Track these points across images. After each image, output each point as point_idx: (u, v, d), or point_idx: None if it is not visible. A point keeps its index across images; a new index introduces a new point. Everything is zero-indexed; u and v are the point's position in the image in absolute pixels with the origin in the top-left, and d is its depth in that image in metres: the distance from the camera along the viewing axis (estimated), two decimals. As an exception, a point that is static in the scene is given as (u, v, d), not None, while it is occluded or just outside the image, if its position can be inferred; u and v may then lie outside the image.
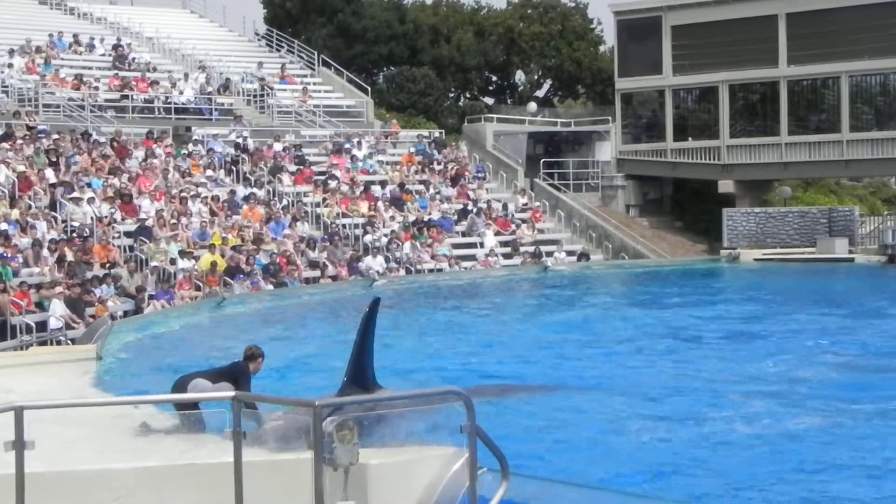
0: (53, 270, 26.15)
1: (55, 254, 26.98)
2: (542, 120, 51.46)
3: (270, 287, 30.06)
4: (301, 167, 38.74)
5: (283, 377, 16.28)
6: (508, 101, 60.10)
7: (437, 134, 46.05)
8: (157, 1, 54.21)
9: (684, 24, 45.95)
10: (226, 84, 44.29)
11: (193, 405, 9.78)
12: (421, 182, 40.84)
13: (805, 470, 11.85)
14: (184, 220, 31.96)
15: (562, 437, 13.37)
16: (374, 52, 55.39)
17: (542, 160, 46.41)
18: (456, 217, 39.11)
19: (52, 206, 29.95)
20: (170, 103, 41.31)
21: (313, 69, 49.13)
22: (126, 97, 40.88)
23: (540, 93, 62.44)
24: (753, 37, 44.28)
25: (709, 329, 23.70)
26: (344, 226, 35.92)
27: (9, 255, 25.77)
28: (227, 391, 10.07)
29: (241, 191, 35.55)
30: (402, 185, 39.57)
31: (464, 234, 38.69)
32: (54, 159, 32.62)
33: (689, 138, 46.69)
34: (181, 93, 42.12)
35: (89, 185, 31.95)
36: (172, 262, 29.39)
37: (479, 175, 43.48)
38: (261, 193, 35.86)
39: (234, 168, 37.31)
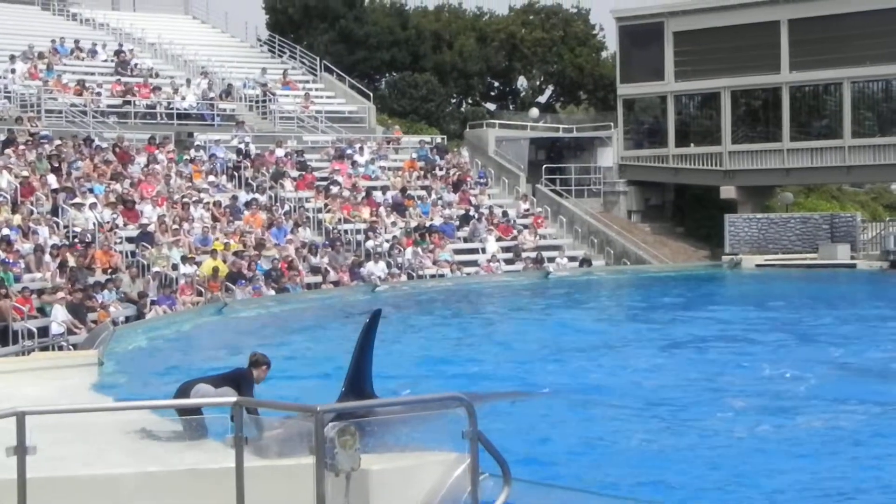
0: (55, 276, 26.16)
1: (57, 259, 27.00)
2: (544, 126, 51.46)
3: (272, 292, 30.06)
4: (303, 173, 38.75)
5: (283, 383, 16.26)
6: (510, 107, 60.05)
7: (438, 140, 46.07)
8: (160, 7, 54.25)
9: (686, 31, 45.96)
10: (228, 90, 44.33)
11: (196, 411, 9.77)
12: (423, 188, 40.84)
13: (803, 473, 11.84)
14: (186, 225, 31.97)
15: (563, 442, 13.36)
16: (376, 57, 55.40)
17: (544, 166, 46.42)
18: (458, 223, 39.10)
19: (54, 211, 29.97)
20: (172, 109, 41.35)
21: (315, 75, 49.17)
22: (128, 103, 40.92)
23: (542, 99, 62.42)
24: (755, 43, 44.27)
25: (708, 334, 23.69)
26: (346, 231, 35.93)
27: (11, 261, 25.79)
28: (229, 396, 10.06)
29: (243, 196, 35.57)
30: (404, 191, 39.58)
31: (466, 240, 38.69)
32: (56, 165, 32.65)
33: (691, 144, 46.67)
34: (183, 98, 42.16)
35: (91, 190, 31.99)
36: (174, 267, 29.40)
37: (481, 181, 43.49)
38: (263, 199, 35.88)
39: (236, 174, 37.35)
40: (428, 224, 37.85)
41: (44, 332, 23.69)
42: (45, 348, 22.75)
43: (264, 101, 44.56)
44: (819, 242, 41.23)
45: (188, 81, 43.43)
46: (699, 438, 13.51)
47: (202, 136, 39.53)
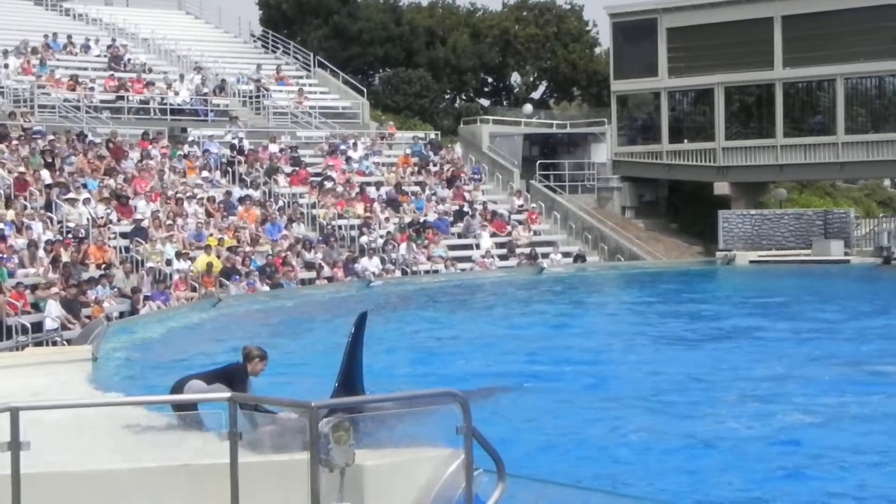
0: (48, 271, 26.13)
1: (50, 255, 26.97)
2: (538, 122, 51.49)
3: (266, 288, 30.06)
4: (297, 168, 38.74)
5: (278, 378, 16.26)
6: (504, 103, 60.13)
7: (432, 136, 46.06)
8: (153, 2, 54.22)
9: (680, 27, 45.98)
10: (221, 85, 44.28)
11: (190, 407, 9.76)
12: (417, 183, 40.85)
13: (798, 470, 11.87)
14: (179, 221, 31.95)
15: (556, 438, 13.38)
16: (369, 53, 55.42)
17: (538, 162, 46.44)
18: (452, 219, 39.11)
19: (48, 206, 29.93)
20: (165, 104, 41.31)
21: (309, 70, 49.15)
22: (122, 98, 40.89)
23: (535, 95, 62.49)
24: (749, 39, 44.30)
25: (702, 330, 23.74)
26: (340, 227, 35.93)
27: (4, 256, 25.76)
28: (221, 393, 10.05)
29: (237, 192, 35.55)
30: (398, 187, 39.58)
31: (460, 236, 38.70)
32: (50, 160, 32.61)
33: (685, 140, 46.72)
34: (177, 94, 42.12)
35: (85, 185, 31.96)
36: (168, 263, 29.39)
37: (475, 177, 43.49)
38: (256, 195, 35.86)
39: (229, 169, 37.33)
40: (422, 220, 37.86)
41: (38, 327, 23.68)
42: (38, 344, 22.73)
43: (258, 97, 44.54)
44: (813, 238, 41.30)
45: (182, 77, 43.38)
46: (692, 433, 13.53)
47: (196, 131, 39.51)
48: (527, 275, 36.16)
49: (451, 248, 37.28)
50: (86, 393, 13.89)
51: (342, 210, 36.68)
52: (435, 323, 25.79)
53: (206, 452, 8.40)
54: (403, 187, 39.89)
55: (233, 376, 11.16)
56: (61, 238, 28.35)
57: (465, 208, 39.78)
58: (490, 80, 62.80)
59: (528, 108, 54.14)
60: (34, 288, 25.09)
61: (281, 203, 36.18)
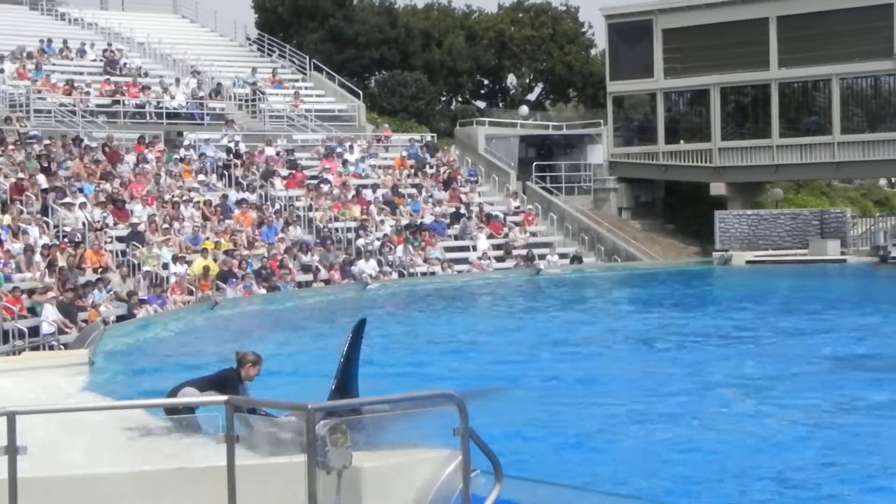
0: (45, 276, 26.12)
1: (47, 259, 26.95)
2: (534, 123, 51.49)
3: (263, 291, 30.05)
4: (293, 171, 38.73)
5: (274, 381, 16.25)
6: (500, 105, 60.10)
7: (428, 138, 46.06)
8: (149, 6, 54.20)
9: (675, 28, 46.00)
10: (217, 89, 44.29)
11: (185, 412, 9.75)
12: (413, 186, 40.84)
13: (793, 470, 11.87)
14: (176, 224, 31.94)
15: (553, 439, 13.38)
16: (365, 56, 55.40)
17: (534, 163, 46.44)
18: (448, 221, 39.10)
19: (44, 211, 29.92)
20: (161, 108, 41.31)
21: (305, 73, 49.15)
22: (117, 102, 40.87)
23: (531, 96, 62.49)
24: (744, 40, 44.32)
25: (698, 330, 23.73)
26: (336, 230, 35.92)
27: (1, 261, 25.74)
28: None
29: (234, 195, 35.54)
30: (394, 189, 39.58)
31: (456, 238, 38.69)
32: (46, 165, 32.59)
33: (681, 141, 46.74)
34: (173, 98, 42.12)
35: (81, 190, 31.94)
36: (165, 266, 29.37)
37: (472, 179, 43.49)
38: (253, 198, 35.86)
39: (226, 173, 37.32)
40: (419, 222, 37.86)
41: (34, 331, 23.65)
42: (35, 348, 22.72)
43: (254, 100, 44.55)
44: (809, 238, 41.33)
45: (177, 81, 43.38)
46: (688, 432, 13.53)
47: (192, 135, 39.48)
48: (523, 276, 36.17)
49: (448, 249, 37.27)
50: (82, 397, 13.88)
51: (338, 213, 36.68)
52: (431, 325, 25.79)
53: (203, 455, 8.41)
54: (400, 190, 39.88)
55: (226, 382, 11.12)
56: (58, 242, 28.33)
57: (462, 210, 39.78)
58: (486, 81, 62.79)
59: (524, 109, 54.15)
60: (31, 292, 25.07)
61: (277, 206, 36.17)
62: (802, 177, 48.52)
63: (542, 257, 38.34)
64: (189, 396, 10.83)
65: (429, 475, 8.13)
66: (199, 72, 44.92)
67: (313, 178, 38.93)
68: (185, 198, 33.83)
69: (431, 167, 42.85)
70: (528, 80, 62.61)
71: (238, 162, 37.98)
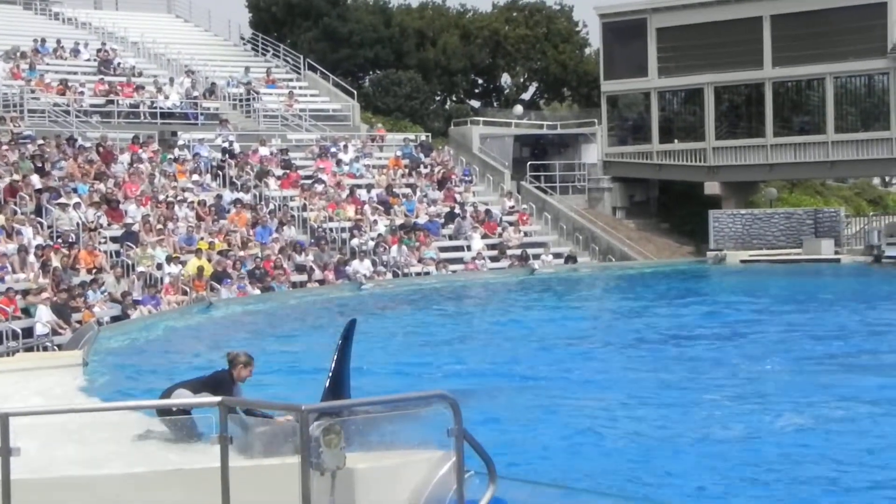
0: (39, 276, 26.07)
1: (41, 259, 26.91)
2: (528, 123, 51.48)
3: (257, 292, 30.03)
4: (287, 171, 38.71)
5: (268, 382, 16.25)
6: (494, 104, 60.06)
7: (423, 137, 46.05)
8: (142, 5, 54.12)
9: (669, 27, 46.02)
10: (211, 88, 44.26)
11: (178, 414, 9.74)
12: (408, 185, 40.84)
13: (785, 469, 11.88)
14: (170, 224, 31.92)
15: (547, 439, 13.39)
16: (359, 55, 55.34)
17: (529, 163, 46.44)
18: (443, 220, 39.11)
19: (38, 211, 29.87)
20: (155, 108, 41.28)
21: (299, 73, 49.12)
22: (111, 102, 40.83)
23: (526, 96, 62.44)
24: (738, 39, 44.35)
25: (692, 329, 23.75)
26: (331, 229, 35.91)
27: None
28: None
29: (228, 195, 35.52)
30: (389, 189, 39.57)
31: (451, 238, 38.69)
32: (40, 165, 32.54)
33: (675, 140, 46.76)
34: (167, 97, 42.09)
35: (75, 190, 31.91)
36: (159, 267, 29.34)
37: (466, 178, 43.49)
38: (247, 198, 35.83)
39: (220, 172, 37.28)
40: (413, 222, 37.85)
41: (28, 332, 23.61)
42: (29, 349, 22.69)
43: (248, 100, 44.51)
44: (803, 237, 41.38)
45: (171, 80, 43.34)
46: (682, 432, 13.54)
47: (186, 135, 39.44)
48: (518, 276, 36.18)
49: (442, 249, 37.27)
50: (76, 398, 13.88)
51: (333, 213, 36.67)
52: (426, 325, 25.78)
53: (196, 457, 8.40)
54: (394, 189, 39.88)
55: (219, 384, 11.12)
56: (52, 243, 28.29)
57: (456, 210, 39.78)
58: (480, 81, 62.73)
59: (519, 109, 54.14)
60: (25, 293, 25.02)
61: (272, 206, 36.15)
62: (796, 176, 48.57)
63: (536, 257, 38.35)
64: (182, 398, 10.82)
65: (423, 476, 8.14)
66: (193, 71, 44.89)
67: (307, 177, 38.91)
68: (179, 198, 33.80)
69: (426, 167, 42.84)
70: (522, 80, 62.57)
71: (232, 162, 37.95)
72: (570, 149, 48.20)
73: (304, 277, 32.40)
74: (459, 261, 37.13)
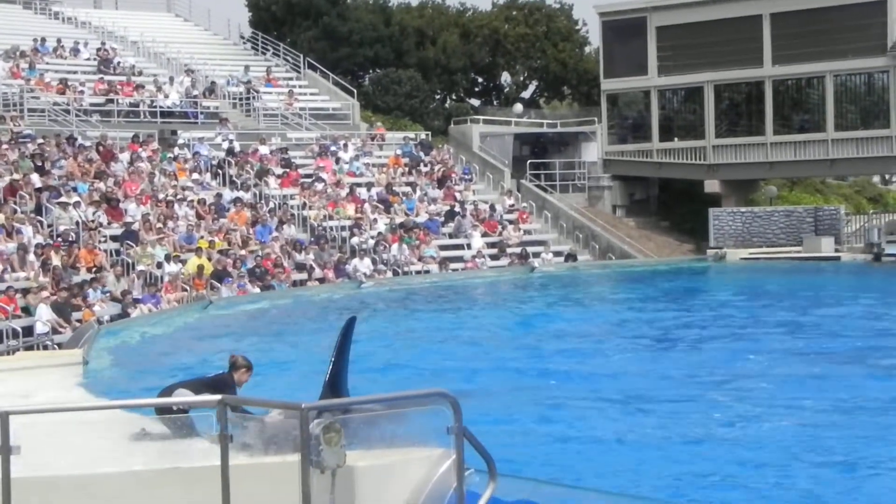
0: (39, 275, 26.07)
1: (41, 258, 26.91)
2: (528, 121, 51.49)
3: (257, 290, 30.03)
4: (287, 170, 38.71)
5: (268, 380, 16.25)
6: (494, 103, 60.08)
7: (423, 136, 46.05)
8: (142, 4, 54.12)
9: (669, 25, 45.99)
10: (211, 87, 44.24)
11: (178, 413, 9.72)
12: (408, 184, 40.84)
13: (781, 467, 11.89)
14: (170, 223, 31.92)
15: (547, 437, 13.39)
16: (359, 54, 55.34)
17: (529, 161, 46.43)
18: (443, 219, 39.10)
19: (38, 210, 29.87)
20: (155, 107, 41.27)
21: (299, 72, 49.12)
22: (111, 101, 40.82)
23: (526, 94, 62.44)
24: (738, 37, 44.33)
25: (692, 328, 23.76)
26: (331, 228, 35.91)
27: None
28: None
29: (228, 194, 35.51)
30: (388, 187, 39.57)
31: (451, 236, 38.69)
32: (40, 164, 32.54)
33: (675, 138, 46.74)
34: (166, 96, 42.08)
35: (75, 189, 31.91)
36: (159, 265, 29.34)
37: (466, 177, 43.49)
38: (247, 196, 35.82)
39: (220, 171, 37.28)
40: (413, 220, 37.84)
41: (28, 331, 23.64)
42: (29, 348, 22.70)
43: (248, 99, 44.51)
44: (803, 235, 41.36)
45: (171, 79, 43.33)
46: (682, 431, 13.54)
47: (186, 133, 39.45)
48: (518, 274, 36.17)
49: (443, 248, 37.27)
50: (76, 397, 13.87)
51: (333, 211, 36.67)
52: (425, 323, 25.79)
53: (197, 455, 8.40)
54: (394, 188, 39.88)
55: (221, 386, 11.10)
56: (52, 242, 28.29)
57: (456, 208, 39.78)
58: (480, 79, 62.74)
59: (519, 107, 54.14)
60: (25, 292, 25.03)
61: (272, 205, 36.15)
62: (796, 174, 48.56)
63: (536, 255, 38.34)
64: (182, 396, 10.81)
65: (423, 474, 8.14)
66: (192, 70, 44.88)
67: (307, 176, 38.92)
68: (179, 196, 33.81)
69: (426, 165, 42.84)
70: (522, 78, 62.58)
71: (232, 160, 37.95)
72: (570, 147, 48.20)
73: (304, 276, 32.40)
74: (459, 259, 37.13)
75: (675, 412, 14.75)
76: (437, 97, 58.62)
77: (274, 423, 9.15)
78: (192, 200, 33.93)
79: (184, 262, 29.85)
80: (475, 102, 60.35)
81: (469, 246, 37.97)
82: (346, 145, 42.04)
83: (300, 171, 39.21)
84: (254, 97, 44.47)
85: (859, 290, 31.81)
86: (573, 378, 17.67)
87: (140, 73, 43.83)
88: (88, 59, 44.38)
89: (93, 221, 30.34)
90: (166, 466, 8.35)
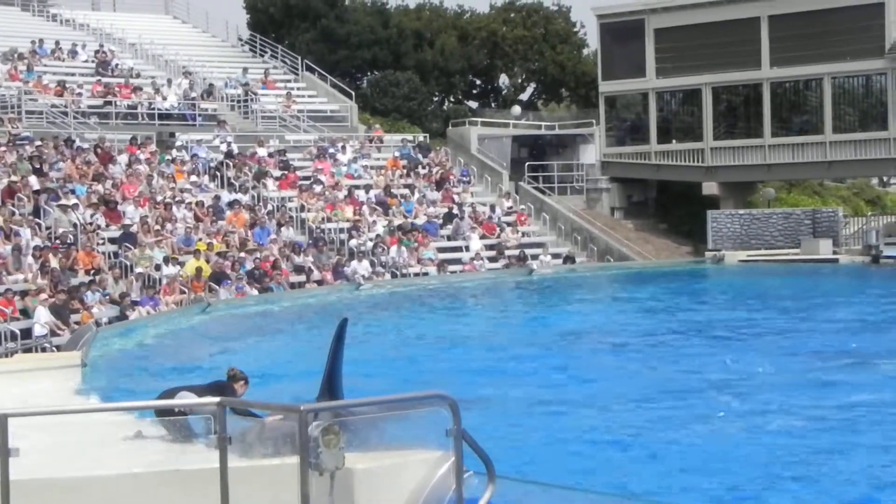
0: (37, 277, 26.06)
1: (39, 261, 26.89)
2: (526, 123, 51.50)
3: (255, 292, 30.02)
4: (285, 172, 38.70)
5: (267, 383, 16.25)
6: (492, 105, 60.10)
7: (421, 138, 46.05)
8: (140, 7, 54.09)
9: (667, 27, 46.02)
10: (209, 90, 44.24)
11: (178, 415, 9.73)
12: (406, 186, 40.84)
13: (784, 467, 11.89)
14: (168, 225, 31.90)
15: (546, 439, 13.39)
16: (357, 56, 55.37)
17: (527, 163, 46.45)
18: (441, 221, 39.10)
19: (36, 212, 29.85)
20: (153, 109, 41.25)
21: (297, 74, 49.12)
22: (109, 103, 40.80)
23: (524, 96, 62.50)
24: (736, 39, 44.36)
25: (690, 329, 23.76)
26: (329, 230, 35.91)
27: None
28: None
29: (226, 196, 35.50)
30: (387, 190, 39.57)
31: (449, 238, 38.69)
32: (38, 166, 32.52)
33: (673, 141, 46.77)
34: (164, 98, 42.07)
35: (73, 191, 31.88)
36: (157, 268, 29.33)
37: (464, 179, 43.49)
38: (245, 199, 35.81)
39: (218, 173, 37.27)
40: (411, 222, 37.83)
41: (27, 333, 23.61)
42: (27, 350, 22.66)
43: (246, 101, 44.50)
44: (801, 237, 41.36)
45: (169, 81, 43.33)
46: (681, 432, 13.55)
47: (184, 136, 39.43)
48: (516, 276, 36.18)
49: (441, 250, 37.27)
50: (74, 399, 13.87)
51: (331, 213, 36.67)
52: (424, 325, 25.79)
53: (195, 457, 8.39)
54: (392, 190, 39.88)
55: (220, 391, 11.13)
56: (50, 244, 28.27)
57: (455, 211, 39.78)
58: (478, 82, 62.79)
59: (517, 109, 54.15)
60: (23, 294, 25.02)
61: (270, 207, 36.14)
62: (794, 176, 48.59)
63: (534, 257, 38.34)
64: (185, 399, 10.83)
65: (422, 476, 8.13)
66: (190, 72, 44.88)
67: (305, 178, 38.91)
68: (177, 199, 33.79)
69: (424, 167, 42.85)
70: (520, 80, 62.62)
71: (230, 163, 37.94)
72: (569, 149, 48.21)
73: (302, 278, 32.40)
74: (458, 261, 37.13)
75: (674, 413, 14.75)
76: (436, 99, 58.67)
77: (273, 426, 9.15)
78: (190, 203, 33.92)
79: (182, 264, 29.84)
80: (473, 104, 60.39)
81: (467, 248, 37.97)
82: (344, 147, 42.04)
83: (298, 173, 39.20)
84: (252, 99, 44.47)
85: (857, 292, 31.83)
86: (572, 379, 17.67)
87: (138, 76, 43.83)
88: (86, 61, 44.37)
89: (91, 223, 30.32)
90: (165, 469, 8.34)
